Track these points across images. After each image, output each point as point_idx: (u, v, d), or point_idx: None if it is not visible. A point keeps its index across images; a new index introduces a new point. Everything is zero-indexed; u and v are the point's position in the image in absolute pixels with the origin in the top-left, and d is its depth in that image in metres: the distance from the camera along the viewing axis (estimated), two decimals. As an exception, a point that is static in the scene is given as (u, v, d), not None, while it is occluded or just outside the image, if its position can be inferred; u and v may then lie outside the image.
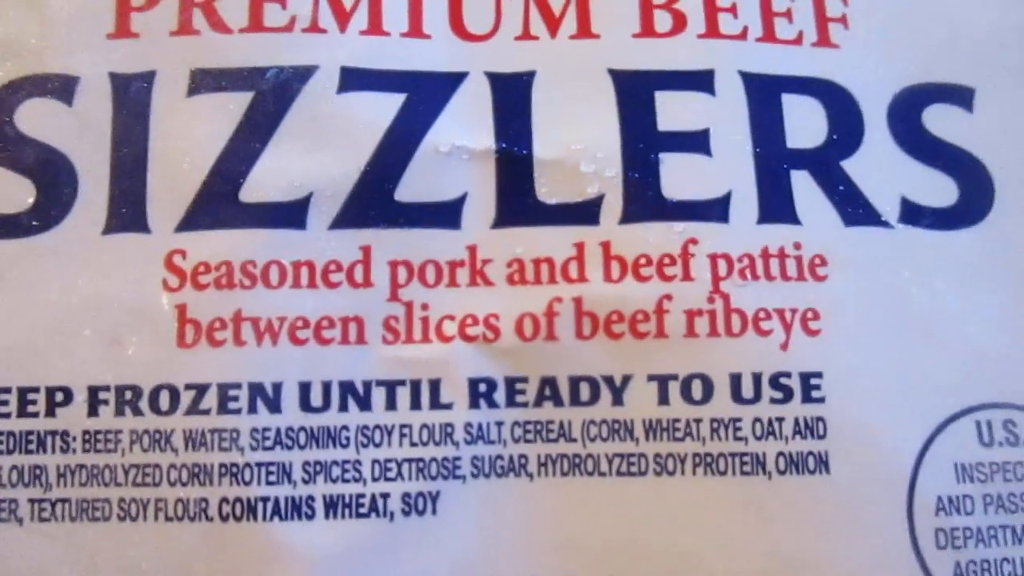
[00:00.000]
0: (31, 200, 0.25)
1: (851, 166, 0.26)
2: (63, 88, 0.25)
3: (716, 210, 0.25)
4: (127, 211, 0.25)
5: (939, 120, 0.27)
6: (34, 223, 0.25)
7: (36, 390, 0.24)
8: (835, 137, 0.26)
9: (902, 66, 0.27)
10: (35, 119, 0.25)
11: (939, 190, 0.27)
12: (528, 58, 0.26)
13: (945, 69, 0.28)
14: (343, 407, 0.24)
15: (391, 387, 0.24)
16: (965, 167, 0.27)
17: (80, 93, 0.25)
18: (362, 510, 0.24)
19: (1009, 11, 0.29)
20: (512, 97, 0.26)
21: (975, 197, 0.27)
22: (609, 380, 0.25)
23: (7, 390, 0.24)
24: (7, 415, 0.24)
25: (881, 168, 0.26)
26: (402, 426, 0.24)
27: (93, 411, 0.24)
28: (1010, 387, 0.25)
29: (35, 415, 0.24)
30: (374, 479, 0.24)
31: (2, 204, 0.25)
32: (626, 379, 0.25)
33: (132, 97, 0.25)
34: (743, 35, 0.27)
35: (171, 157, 0.25)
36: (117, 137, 0.25)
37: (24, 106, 0.25)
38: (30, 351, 0.24)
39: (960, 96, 0.27)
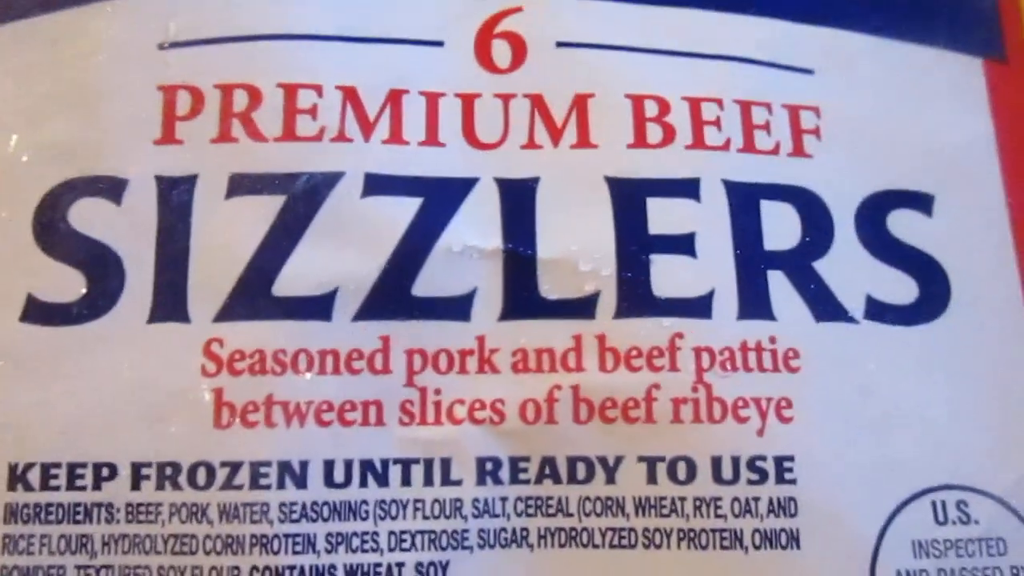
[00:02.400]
0: (82, 291, 0.27)
1: (822, 266, 0.29)
2: (113, 189, 0.28)
3: (700, 307, 0.28)
4: (170, 302, 0.27)
5: (901, 224, 0.30)
6: (84, 312, 0.27)
7: (84, 465, 0.26)
8: (808, 240, 0.29)
9: (869, 175, 0.31)
10: (87, 216, 0.28)
11: (901, 289, 0.29)
12: (533, 165, 0.29)
13: (908, 177, 0.31)
14: (363, 483, 0.27)
15: (406, 465, 0.27)
16: (924, 268, 0.30)
17: (128, 194, 0.28)
18: (379, 578, 0.26)
19: (965, 123, 0.32)
20: (518, 201, 0.29)
21: (933, 295, 0.30)
22: (603, 460, 0.27)
23: (57, 465, 0.26)
24: (57, 488, 0.26)
25: (849, 268, 0.29)
26: (416, 501, 0.27)
27: (136, 485, 0.26)
28: (963, 470, 0.28)
29: (83, 488, 0.26)
30: (390, 549, 0.26)
31: (56, 294, 0.27)
32: (618, 460, 0.27)
33: (176, 198, 0.28)
34: (726, 146, 0.30)
35: (211, 253, 0.27)
36: (161, 234, 0.28)
37: (77, 204, 0.28)
38: (79, 430, 0.26)
39: (921, 202, 0.30)
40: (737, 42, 0.31)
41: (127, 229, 0.28)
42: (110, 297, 0.27)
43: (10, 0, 0.29)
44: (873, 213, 0.30)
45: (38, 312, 0.27)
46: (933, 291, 0.29)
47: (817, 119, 0.31)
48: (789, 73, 0.31)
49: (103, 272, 0.27)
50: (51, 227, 0.28)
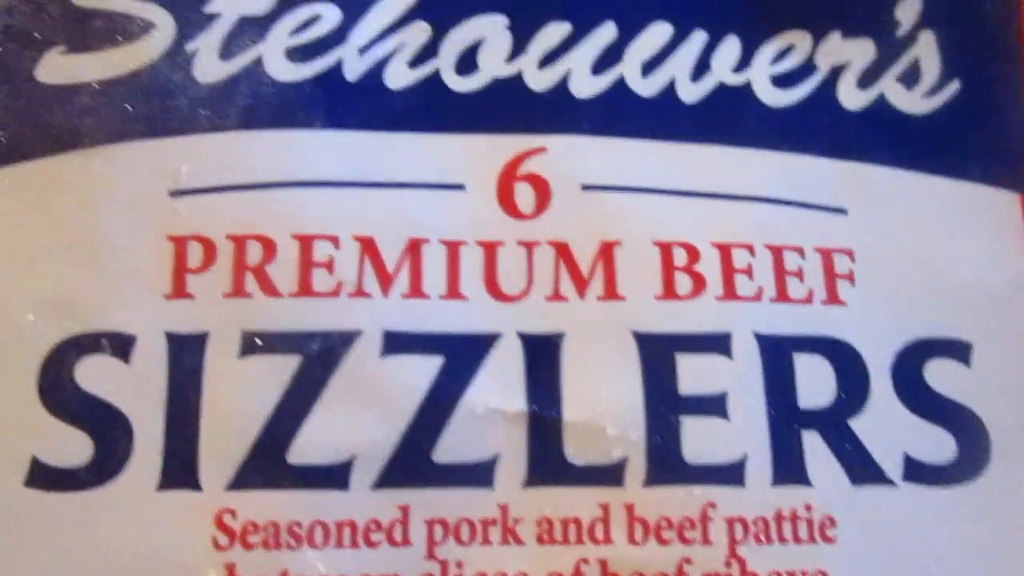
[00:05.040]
0: (89, 454, 0.26)
1: (858, 424, 0.28)
2: (121, 346, 0.27)
3: (733, 473, 0.27)
4: (180, 469, 0.26)
5: (939, 375, 0.29)
6: (91, 477, 0.26)
7: (89, 642, 0.25)
8: (843, 396, 0.28)
9: (905, 321, 0.29)
10: (93, 375, 0.27)
11: (939, 446, 0.28)
12: (558, 319, 0.28)
13: (944, 324, 0.30)
14: (382, 663, 0.26)
15: (427, 643, 0.26)
16: (963, 422, 0.29)
17: (137, 351, 0.27)
18: None
19: (1003, 262, 0.31)
20: (543, 358, 0.27)
21: (972, 452, 0.28)
22: (632, 638, 0.26)
23: (61, 639, 0.25)
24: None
25: (886, 425, 0.28)
26: None
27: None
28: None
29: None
30: None
31: (61, 457, 0.26)
32: (648, 638, 0.26)
33: (186, 357, 0.27)
34: (758, 296, 0.29)
35: (223, 417, 0.26)
36: (171, 396, 0.27)
37: (83, 362, 0.27)
38: (83, 604, 0.26)
39: (958, 350, 0.29)
40: (767, 180, 0.30)
41: (135, 389, 0.27)
42: (118, 461, 0.26)
43: (11, 140, 0.28)
44: (910, 364, 0.29)
45: (43, 476, 0.26)
46: (972, 448, 0.28)
47: (851, 263, 0.30)
48: (821, 213, 0.30)
49: (111, 435, 0.26)
50: (56, 386, 0.27)
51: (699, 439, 0.27)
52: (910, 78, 0.32)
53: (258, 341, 0.27)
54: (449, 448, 0.27)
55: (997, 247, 0.31)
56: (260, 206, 0.28)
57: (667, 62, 0.31)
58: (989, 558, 0.28)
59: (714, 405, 0.27)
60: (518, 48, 0.30)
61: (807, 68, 0.31)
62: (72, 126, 0.28)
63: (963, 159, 0.31)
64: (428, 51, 0.30)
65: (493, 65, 0.30)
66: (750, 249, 0.29)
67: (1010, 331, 0.30)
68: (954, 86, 0.32)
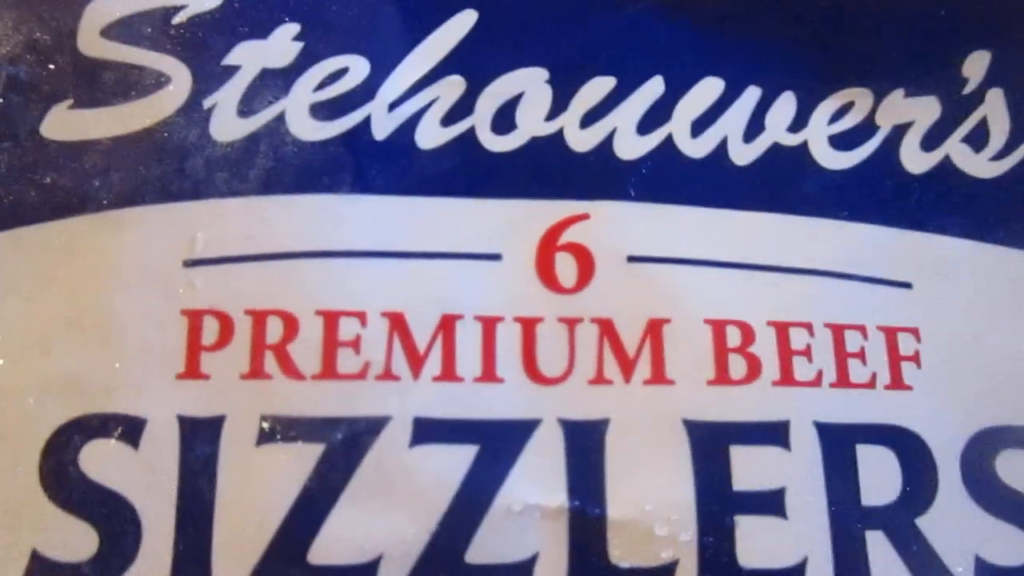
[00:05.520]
0: (93, 548, 0.24)
1: (925, 523, 0.26)
2: (130, 430, 0.25)
3: (792, 579, 0.25)
4: (191, 566, 0.24)
5: (1012, 467, 0.27)
6: (95, 573, 0.24)
7: None
8: (909, 491, 0.26)
9: (974, 407, 0.27)
10: (99, 461, 0.25)
11: (1013, 547, 0.26)
12: (602, 404, 0.26)
13: (1019, 411, 0.27)
14: None
15: None
16: (1039, 522, 0.27)
17: (147, 436, 0.25)
18: None
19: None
20: (585, 448, 0.25)
21: (1048, 553, 0.27)
22: None
23: None
24: None
25: (955, 524, 0.26)
26: None
27: None
28: None
29: None
30: None
31: (64, 552, 0.24)
32: None
33: (200, 443, 0.25)
34: (817, 381, 0.27)
35: (239, 511, 0.24)
36: (183, 485, 0.24)
37: (88, 447, 0.25)
38: None
39: (1033, 440, 0.28)
40: (826, 252, 0.28)
41: (145, 478, 0.24)
42: (125, 558, 0.24)
43: (13, 202, 0.26)
44: (981, 455, 0.27)
45: (44, 571, 0.24)
46: (1048, 548, 0.27)
47: (916, 343, 0.27)
48: (884, 288, 0.28)
49: (118, 527, 0.24)
50: (59, 472, 0.24)
51: (755, 540, 0.25)
52: (977, 139, 0.30)
53: (278, 427, 0.25)
54: (484, 547, 0.24)
55: (1070, 324, 0.29)
56: (281, 278, 0.26)
57: (718, 121, 0.28)
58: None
59: (771, 502, 0.25)
60: (559, 105, 0.28)
61: (868, 128, 0.29)
62: (79, 188, 0.26)
63: (1031, 227, 0.30)
64: (462, 107, 0.28)
65: (532, 123, 0.28)
66: (808, 328, 0.27)
67: (1088, 418, 0.28)
68: (1024, 148, 0.30)
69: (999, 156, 0.30)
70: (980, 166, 0.30)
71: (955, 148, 0.30)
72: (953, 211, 0.29)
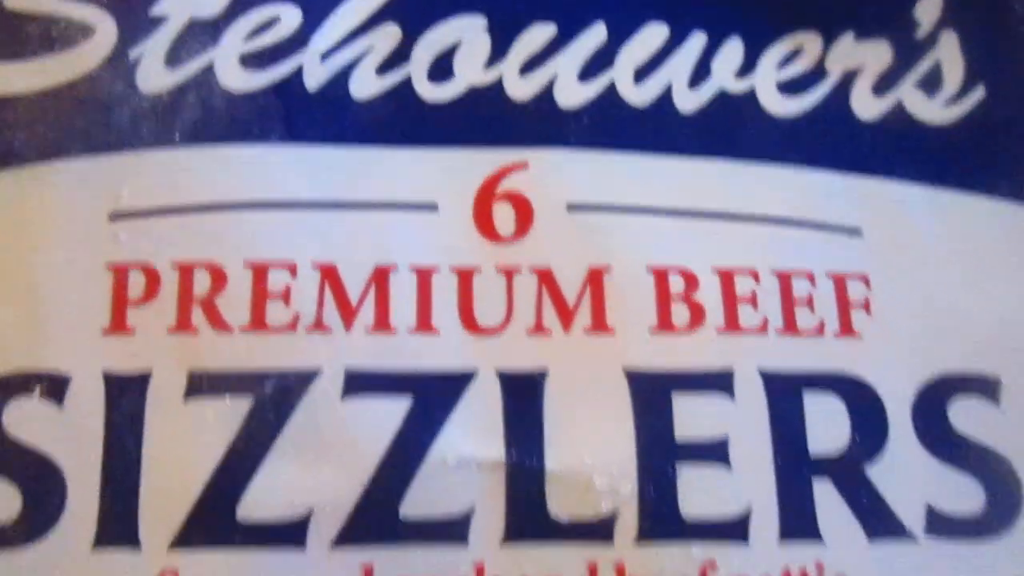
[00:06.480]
0: (16, 509, 0.23)
1: (875, 472, 0.25)
2: (53, 388, 0.24)
3: (736, 529, 0.24)
4: (118, 525, 0.23)
5: (965, 415, 0.26)
6: (20, 534, 0.23)
7: None
8: (859, 440, 0.25)
9: (926, 355, 0.27)
10: (22, 420, 0.24)
11: (966, 495, 0.26)
12: (541, 355, 0.25)
13: (970, 357, 0.27)
14: None
15: None
16: (992, 468, 0.26)
17: (72, 394, 0.24)
18: None
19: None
20: (523, 400, 0.25)
21: (1003, 501, 0.26)
22: None
23: None
24: None
25: (906, 473, 0.25)
26: None
27: None
28: None
29: None
30: None
31: (-14, 513, 0.24)
32: None
33: (126, 399, 0.24)
34: (763, 328, 0.26)
35: (166, 467, 0.24)
36: (109, 443, 0.24)
37: (11, 405, 0.24)
38: None
39: (986, 387, 0.27)
40: (773, 199, 0.27)
41: (69, 436, 0.24)
42: (49, 517, 0.23)
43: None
44: (932, 403, 0.26)
45: (-35, 533, 0.24)
46: (1003, 497, 0.26)
47: (867, 289, 0.27)
48: (834, 234, 0.27)
49: (42, 487, 0.24)
50: (-19, 432, 0.24)
51: (698, 491, 0.24)
52: (931, 84, 0.29)
53: (205, 382, 0.24)
54: (418, 501, 0.24)
55: (1028, 271, 0.28)
56: (209, 230, 0.25)
57: (663, 67, 0.28)
58: (1020, 622, 0.25)
59: (714, 452, 0.25)
60: (498, 52, 0.27)
61: (817, 73, 0.28)
62: (2, 142, 0.25)
63: (990, 173, 0.28)
64: (398, 56, 0.27)
65: (470, 71, 0.27)
66: (754, 275, 0.26)
67: (1043, 366, 0.27)
68: (979, 92, 0.29)
69: (953, 101, 0.29)
70: (934, 111, 0.29)
71: (908, 93, 0.29)
72: (905, 156, 0.28)
